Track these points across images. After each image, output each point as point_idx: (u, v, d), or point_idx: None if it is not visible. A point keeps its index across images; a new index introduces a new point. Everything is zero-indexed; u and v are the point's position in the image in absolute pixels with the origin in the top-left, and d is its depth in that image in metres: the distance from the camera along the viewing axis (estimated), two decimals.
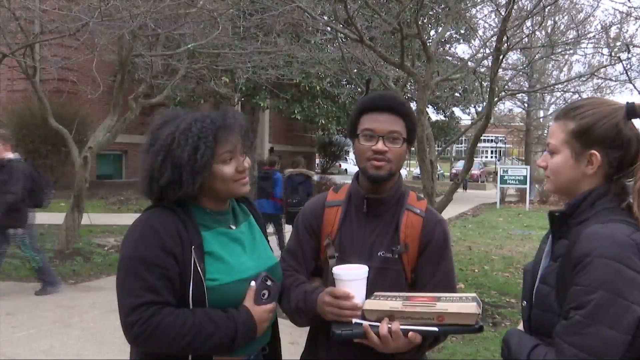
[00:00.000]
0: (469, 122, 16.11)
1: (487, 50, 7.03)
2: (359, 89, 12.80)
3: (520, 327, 1.49)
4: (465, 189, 27.24)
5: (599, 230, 1.28)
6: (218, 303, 1.55)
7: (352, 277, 1.58)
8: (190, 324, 1.48)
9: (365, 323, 1.51)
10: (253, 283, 1.60)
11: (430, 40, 7.69)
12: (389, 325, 1.49)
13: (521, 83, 12.33)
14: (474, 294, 1.55)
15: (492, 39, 6.89)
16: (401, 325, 1.49)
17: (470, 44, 12.89)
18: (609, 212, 1.33)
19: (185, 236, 1.55)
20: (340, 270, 1.60)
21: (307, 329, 1.84)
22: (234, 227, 1.70)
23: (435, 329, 1.48)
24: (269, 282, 1.62)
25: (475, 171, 31.03)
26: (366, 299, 1.57)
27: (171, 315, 1.48)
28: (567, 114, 1.43)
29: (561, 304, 1.30)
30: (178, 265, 1.52)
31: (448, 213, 14.34)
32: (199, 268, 1.53)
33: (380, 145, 1.67)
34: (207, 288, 1.53)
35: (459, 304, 1.48)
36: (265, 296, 1.61)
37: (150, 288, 1.48)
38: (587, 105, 1.41)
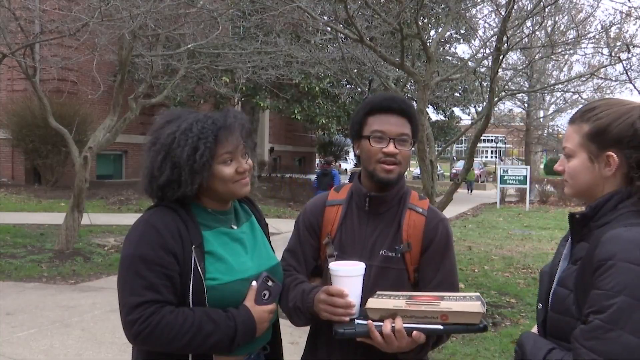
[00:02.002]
0: (469, 122, 16.12)
1: (487, 50, 7.03)
2: (358, 89, 12.81)
3: (534, 330, 1.47)
4: (471, 191, 26.42)
5: (622, 233, 1.25)
6: (218, 302, 1.55)
7: (348, 274, 1.57)
8: (190, 322, 1.49)
9: (370, 321, 1.50)
10: (254, 283, 1.61)
11: (430, 40, 7.69)
12: (393, 324, 1.48)
13: (521, 83, 12.34)
14: (478, 293, 1.54)
15: (492, 39, 6.89)
16: (405, 324, 1.48)
17: (470, 44, 12.92)
18: (633, 215, 1.30)
19: (186, 235, 1.56)
20: (337, 267, 1.59)
21: (308, 329, 1.84)
22: (235, 227, 1.71)
23: (440, 327, 1.46)
24: (269, 283, 1.62)
25: (475, 171, 30.98)
26: (368, 297, 1.56)
27: (171, 313, 1.49)
28: (582, 116, 1.40)
29: (580, 307, 1.28)
30: (178, 264, 1.53)
31: (448, 213, 14.31)
32: (199, 267, 1.53)
33: (391, 148, 1.68)
34: (207, 287, 1.54)
35: (463, 303, 1.46)
36: (266, 296, 1.61)
37: (150, 287, 1.49)
38: (602, 107, 1.38)
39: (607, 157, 1.34)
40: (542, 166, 41.07)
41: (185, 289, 1.53)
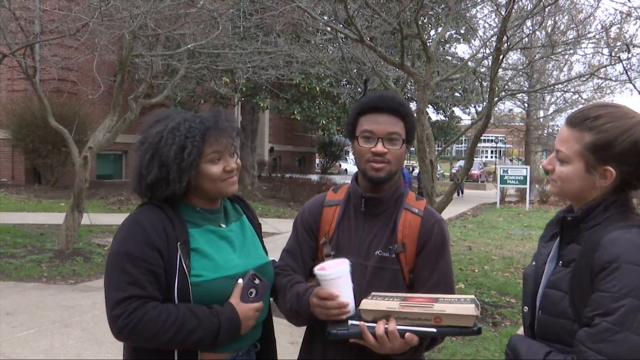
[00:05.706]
0: (469, 122, 16.11)
1: (487, 50, 7.03)
2: (358, 89, 12.80)
3: (520, 331, 1.47)
4: (462, 193, 26.02)
5: (623, 235, 1.26)
6: (203, 299, 1.56)
7: (334, 276, 1.57)
8: (174, 318, 1.50)
9: (362, 323, 1.50)
10: (240, 280, 1.61)
11: (430, 40, 7.69)
12: (386, 326, 1.48)
13: (521, 83, 12.32)
14: (473, 296, 1.54)
15: (492, 39, 6.89)
16: (398, 325, 1.48)
17: (470, 44, 12.91)
18: (620, 217, 1.33)
19: (171, 232, 1.57)
20: (321, 271, 1.58)
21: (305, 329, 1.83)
22: (223, 226, 1.72)
23: (433, 330, 1.46)
24: (256, 281, 1.62)
25: (475, 171, 30.91)
26: (363, 298, 1.56)
27: (155, 309, 1.51)
28: (584, 123, 1.36)
29: (577, 309, 1.28)
30: (163, 260, 1.54)
31: (448, 213, 14.34)
32: (184, 264, 1.55)
33: (379, 147, 1.67)
34: (191, 284, 1.55)
35: (457, 306, 1.46)
36: (253, 294, 1.62)
37: (135, 282, 1.51)
38: (606, 117, 1.35)
39: (605, 170, 1.34)
40: (542, 166, 41.03)
41: (170, 285, 1.55)
